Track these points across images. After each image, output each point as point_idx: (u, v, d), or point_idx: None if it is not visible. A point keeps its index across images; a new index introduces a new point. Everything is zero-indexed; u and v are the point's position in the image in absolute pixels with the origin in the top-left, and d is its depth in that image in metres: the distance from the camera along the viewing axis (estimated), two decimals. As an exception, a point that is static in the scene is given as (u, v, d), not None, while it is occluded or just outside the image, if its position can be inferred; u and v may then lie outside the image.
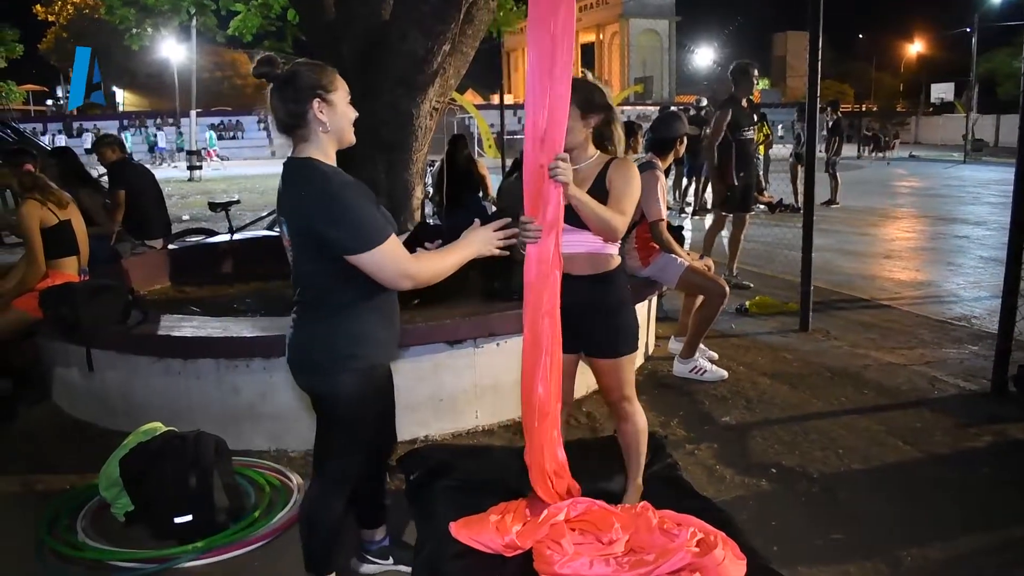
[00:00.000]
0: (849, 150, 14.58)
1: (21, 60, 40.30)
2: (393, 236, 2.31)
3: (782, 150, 15.27)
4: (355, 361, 2.40)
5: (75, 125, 45.56)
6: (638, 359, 5.08)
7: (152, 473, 3.17)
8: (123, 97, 61.27)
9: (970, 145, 30.64)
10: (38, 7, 47.38)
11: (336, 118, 2.35)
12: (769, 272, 8.24)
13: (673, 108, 14.96)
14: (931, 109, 49.58)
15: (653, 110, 39.17)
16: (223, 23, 14.17)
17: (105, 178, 7.02)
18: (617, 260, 2.94)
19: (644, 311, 5.14)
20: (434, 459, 3.56)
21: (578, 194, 2.62)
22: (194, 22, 13.90)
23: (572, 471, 2.95)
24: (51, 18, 49.17)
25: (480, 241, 2.48)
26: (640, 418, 3.12)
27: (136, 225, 6.76)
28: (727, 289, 4.76)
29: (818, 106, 5.84)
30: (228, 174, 29.56)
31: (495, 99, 58.83)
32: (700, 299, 5.03)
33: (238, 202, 9.22)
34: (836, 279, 7.81)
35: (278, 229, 2.43)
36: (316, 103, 2.29)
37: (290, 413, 3.96)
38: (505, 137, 15.31)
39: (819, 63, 5.71)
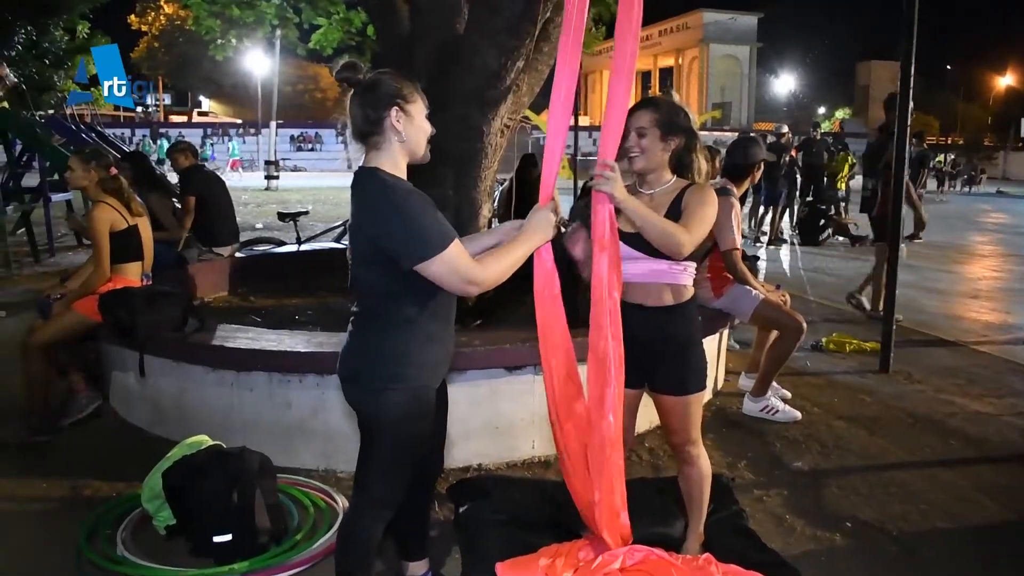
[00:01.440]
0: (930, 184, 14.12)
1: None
2: (457, 241, 2.23)
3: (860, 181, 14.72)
4: (401, 380, 2.30)
5: (161, 131, 47.17)
6: (706, 395, 4.84)
7: (194, 488, 3.08)
8: (208, 106, 63.27)
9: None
10: (132, 17, 49.27)
11: (412, 129, 2.30)
12: (847, 308, 7.86)
13: (752, 134, 14.63)
14: (1021, 144, 47.78)
15: (730, 136, 38.62)
16: (305, 36, 14.42)
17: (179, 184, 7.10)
18: (690, 292, 2.74)
19: (714, 344, 4.90)
20: (485, 490, 3.39)
21: (630, 202, 2.41)
22: (277, 34, 14.21)
23: (630, 513, 2.76)
24: (144, 28, 51.04)
25: (540, 227, 2.40)
26: (705, 463, 2.90)
27: (205, 232, 6.80)
28: (804, 325, 4.49)
29: (908, 136, 5.50)
30: (304, 184, 30.08)
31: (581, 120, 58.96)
32: (774, 334, 4.78)
33: (307, 213, 9.26)
34: (919, 318, 7.40)
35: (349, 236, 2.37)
36: (394, 111, 2.25)
37: (341, 432, 3.85)
38: (579, 158, 15.16)
39: (910, 91, 5.38)
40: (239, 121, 51.51)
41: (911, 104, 5.45)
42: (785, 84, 66.44)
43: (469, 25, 5.08)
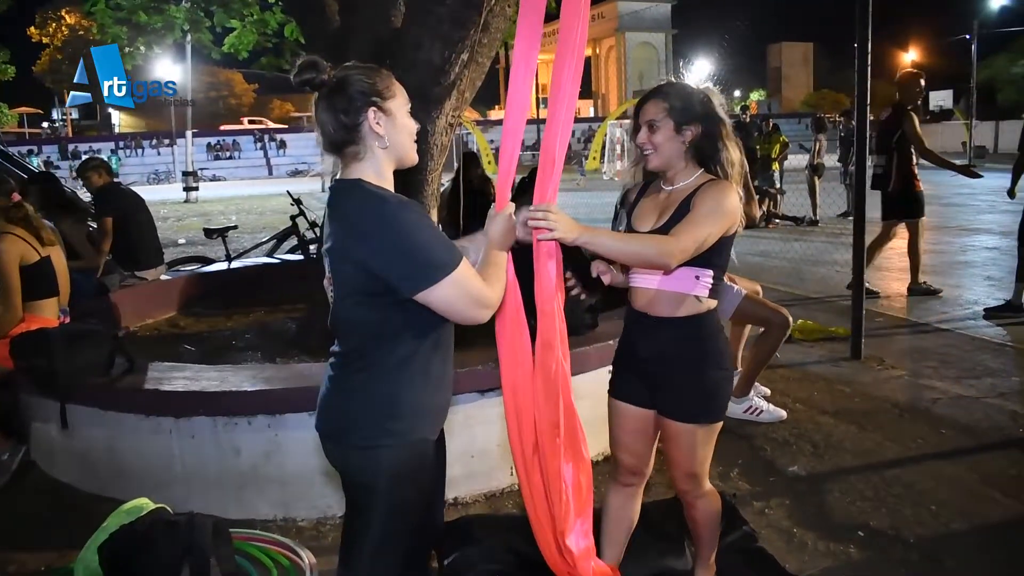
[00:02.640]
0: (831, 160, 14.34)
1: (16, 82, 39.84)
2: (464, 259, 1.89)
3: (796, 161, 14.72)
4: (395, 435, 1.94)
5: (70, 147, 45.21)
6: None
7: (137, 563, 2.65)
8: (119, 119, 60.97)
9: (972, 152, 30.27)
10: (32, 29, 47.04)
11: (395, 131, 1.96)
12: (801, 292, 7.74)
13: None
14: (929, 117, 49.34)
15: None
16: (218, 40, 13.74)
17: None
18: (705, 304, 2.39)
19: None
20: (472, 535, 3.01)
21: (587, 237, 2.09)
22: (188, 40, 13.52)
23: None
24: (45, 40, 48.79)
25: (504, 234, 2.08)
26: (710, 504, 2.57)
27: (126, 255, 6.26)
28: (789, 319, 4.25)
29: (868, 118, 5.33)
30: (225, 194, 29.09)
31: (491, 115, 58.69)
32: (746, 330, 4.54)
33: (235, 227, 8.72)
34: (876, 299, 7.30)
35: (325, 264, 1.97)
36: (372, 113, 1.91)
37: (299, 477, 3.45)
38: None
39: (868, 68, 5.21)
40: (153, 132, 49.68)
41: (868, 86, 5.26)
42: (701, 69, 67.28)
43: (408, 17, 4.69)
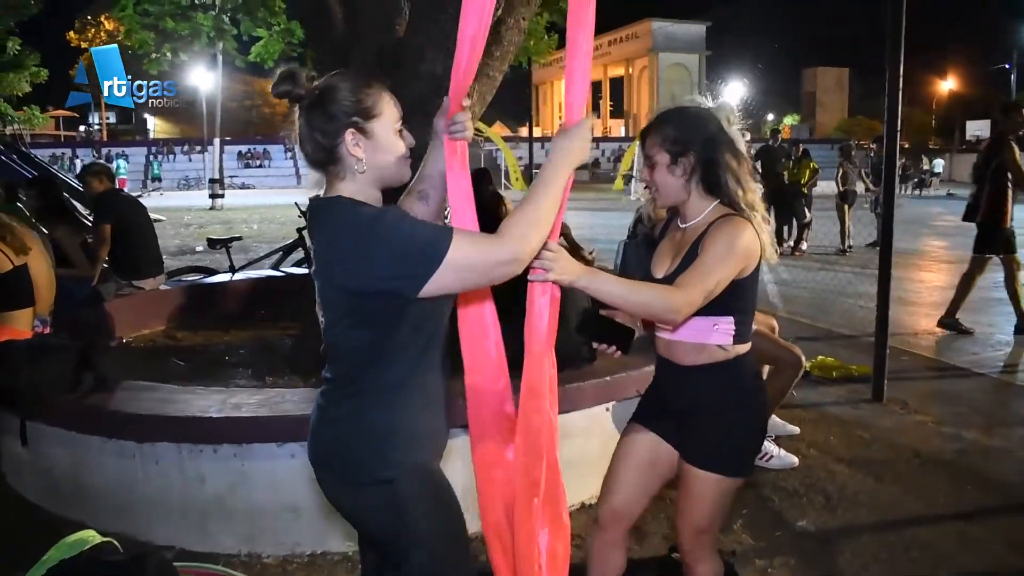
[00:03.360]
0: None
1: (53, 86, 40.40)
2: (456, 229, 1.70)
3: (825, 188, 14.31)
4: (398, 466, 1.79)
5: (104, 151, 45.72)
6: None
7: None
8: (154, 124, 61.74)
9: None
10: (71, 34, 47.74)
11: (377, 155, 1.78)
12: (824, 324, 7.41)
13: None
14: (965, 147, 48.50)
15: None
16: (246, 48, 13.72)
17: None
18: (730, 352, 2.16)
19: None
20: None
21: (585, 281, 1.87)
22: (219, 48, 13.54)
23: None
24: (84, 45, 49.48)
25: (580, 141, 1.82)
26: (711, 573, 2.33)
27: (124, 263, 6.09)
28: (802, 358, 3.97)
29: (898, 144, 5.03)
30: (251, 203, 29.12)
31: (523, 132, 58.55)
32: (764, 369, 4.26)
33: (239, 239, 8.57)
34: (900, 335, 6.94)
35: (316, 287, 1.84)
36: (350, 135, 1.74)
37: (266, 511, 3.22)
38: (534, 171, 14.66)
39: (899, 95, 4.92)
40: (185, 139, 50.19)
41: (899, 111, 4.97)
42: (735, 91, 66.85)
43: (412, 26, 4.49)
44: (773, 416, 4.32)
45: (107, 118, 63.81)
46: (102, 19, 50.27)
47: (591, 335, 2.10)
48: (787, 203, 12.65)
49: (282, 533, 3.23)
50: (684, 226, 2.21)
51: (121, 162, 40.50)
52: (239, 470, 3.22)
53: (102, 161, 15.34)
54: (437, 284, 1.64)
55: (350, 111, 1.73)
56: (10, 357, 3.44)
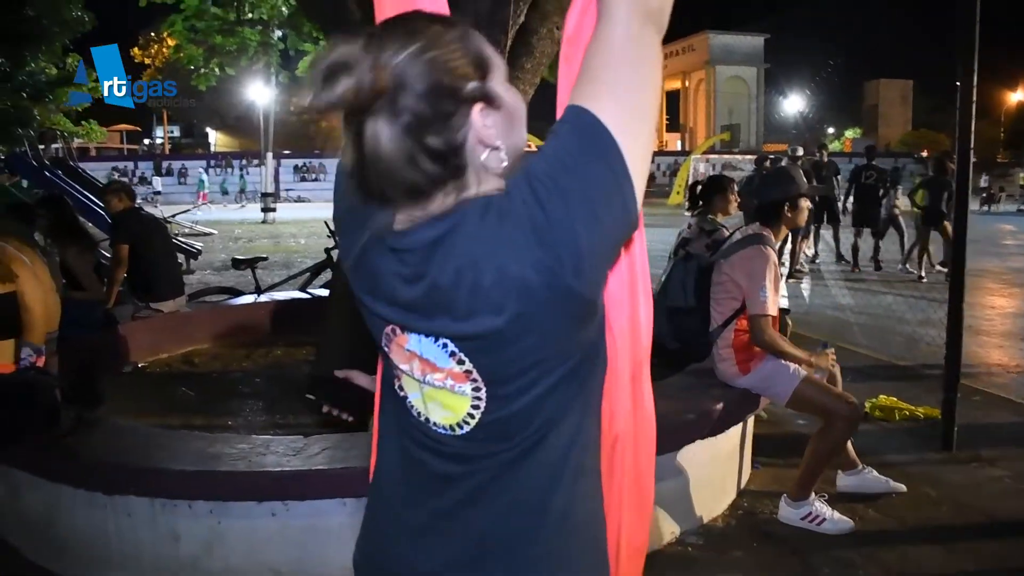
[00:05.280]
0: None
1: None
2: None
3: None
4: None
5: (164, 164, 46.66)
6: (726, 495, 3.85)
7: None
8: (215, 138, 62.98)
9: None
10: (135, 50, 48.91)
11: (512, 127, 1.09)
12: (886, 357, 6.83)
13: (787, 158, 13.55)
14: (1035, 160, 46.73)
15: (741, 159, 37.79)
16: (293, 63, 13.63)
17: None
18: None
19: (738, 432, 3.91)
20: None
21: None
22: (268, 63, 13.53)
23: None
24: (147, 61, 50.64)
25: None
26: None
27: (141, 285, 5.86)
28: (859, 410, 3.50)
29: (971, 160, 4.52)
30: (303, 216, 29.19)
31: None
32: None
33: (265, 259, 8.35)
34: (971, 370, 6.32)
35: (399, 345, 1.15)
36: (478, 112, 1.04)
37: (245, 574, 2.88)
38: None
39: (972, 108, 4.41)
40: (243, 152, 50.97)
41: (971, 124, 4.46)
42: (793, 104, 65.50)
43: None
44: (872, 471, 3.89)
45: (170, 132, 65.45)
46: (164, 35, 51.47)
47: (324, 397, 1.74)
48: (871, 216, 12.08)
49: (262, 601, 2.89)
50: None
51: (203, 176, 40.74)
52: (215, 529, 2.89)
53: (123, 179, 15.56)
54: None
55: (467, 73, 1.03)
56: (-20, 395, 3.17)
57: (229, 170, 48.48)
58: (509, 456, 1.11)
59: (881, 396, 5.32)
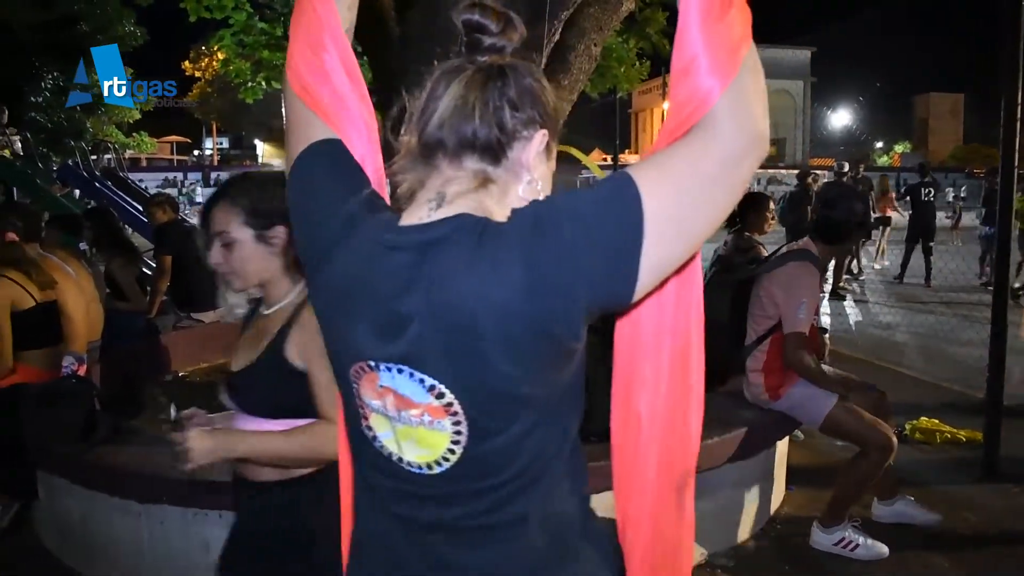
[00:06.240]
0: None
1: (168, 113, 42.23)
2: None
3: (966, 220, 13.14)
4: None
5: (212, 175, 47.57)
6: (758, 518, 3.79)
7: None
8: (263, 149, 64.06)
9: None
10: (186, 63, 50.03)
11: (547, 177, 1.17)
12: (930, 379, 6.67)
13: (827, 175, 13.39)
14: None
15: (787, 173, 37.36)
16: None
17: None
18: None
19: (772, 453, 3.85)
20: None
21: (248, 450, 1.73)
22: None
23: None
24: (197, 74, 51.74)
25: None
26: None
27: (184, 295, 5.98)
28: (894, 441, 3.42)
29: (1015, 174, 4.42)
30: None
31: (631, 159, 57.95)
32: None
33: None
34: (1016, 391, 6.13)
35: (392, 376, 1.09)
36: (540, 137, 1.11)
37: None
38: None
39: (1017, 121, 4.32)
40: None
41: (1015, 137, 4.37)
42: (840, 119, 64.78)
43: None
44: (910, 501, 3.79)
45: (219, 143, 66.76)
46: (214, 48, 52.60)
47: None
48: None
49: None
50: (267, 312, 1.84)
51: None
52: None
53: (168, 191, 16.06)
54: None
55: (545, 103, 1.13)
56: (21, 403, 3.26)
57: (276, 181, 49.29)
58: (495, 496, 1.08)
59: (922, 418, 5.20)
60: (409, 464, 1.09)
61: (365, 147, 1.26)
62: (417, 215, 1.09)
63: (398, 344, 1.04)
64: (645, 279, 1.00)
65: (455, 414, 1.04)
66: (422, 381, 1.04)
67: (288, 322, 1.77)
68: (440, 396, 1.03)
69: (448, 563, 1.11)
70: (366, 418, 1.13)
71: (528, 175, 1.11)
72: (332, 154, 1.22)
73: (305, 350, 1.71)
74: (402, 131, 1.16)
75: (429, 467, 1.08)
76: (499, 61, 1.10)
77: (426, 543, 1.12)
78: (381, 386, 1.08)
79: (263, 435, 1.73)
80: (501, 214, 1.07)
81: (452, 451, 1.06)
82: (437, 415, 1.04)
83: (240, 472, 1.87)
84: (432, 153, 1.10)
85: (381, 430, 1.11)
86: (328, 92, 1.24)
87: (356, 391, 1.12)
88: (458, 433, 1.04)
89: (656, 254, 0.98)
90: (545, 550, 1.11)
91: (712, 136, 1.01)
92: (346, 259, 1.11)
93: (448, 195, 1.09)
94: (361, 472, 1.21)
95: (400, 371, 1.05)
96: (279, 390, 1.76)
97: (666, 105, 1.24)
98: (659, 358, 1.16)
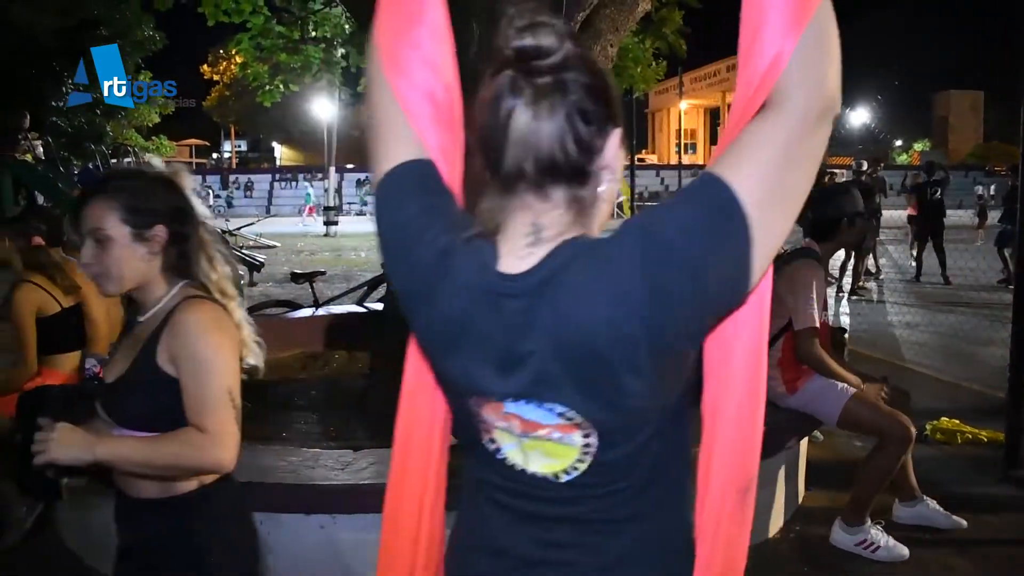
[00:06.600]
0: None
1: (187, 116, 42.55)
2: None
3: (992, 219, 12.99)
4: None
5: (231, 178, 47.88)
6: (778, 517, 3.78)
7: None
8: (281, 152, 64.43)
9: None
10: (204, 67, 50.43)
11: (616, 182, 1.13)
12: (949, 378, 6.63)
13: (841, 179, 13.35)
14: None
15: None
16: (355, 80, 13.88)
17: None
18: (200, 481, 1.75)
19: (791, 454, 3.84)
20: None
21: (109, 452, 1.65)
22: (332, 81, 13.83)
23: None
24: (216, 77, 52.15)
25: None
26: None
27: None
28: (911, 431, 3.42)
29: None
30: (364, 230, 29.72)
31: (648, 159, 57.70)
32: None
33: (323, 273, 8.50)
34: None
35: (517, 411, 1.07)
36: (615, 137, 1.07)
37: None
38: (636, 204, 14.24)
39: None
40: (309, 166, 52.05)
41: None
42: (859, 117, 64.26)
43: (480, 52, 4.21)
44: (932, 502, 3.76)
45: (237, 146, 67.17)
46: (232, 52, 52.96)
47: (18, 477, 1.71)
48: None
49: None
50: (142, 319, 1.79)
51: (310, 189, 39.69)
52: (264, 539, 2.93)
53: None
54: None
55: (613, 95, 1.07)
56: (44, 404, 3.29)
57: (294, 184, 49.57)
58: (622, 496, 1.09)
59: (943, 419, 5.17)
60: (534, 475, 1.09)
61: (446, 140, 1.21)
62: (515, 253, 1.05)
63: (520, 379, 1.03)
64: (756, 273, 1.00)
65: (586, 430, 1.03)
66: (551, 409, 1.03)
67: (160, 327, 1.71)
68: (569, 419, 1.03)
69: (568, 545, 1.11)
70: (488, 432, 1.11)
71: (611, 174, 1.08)
72: (420, 176, 1.16)
73: (175, 356, 1.68)
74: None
75: (556, 476, 1.07)
76: (567, 65, 1.01)
77: (551, 531, 1.11)
78: (506, 412, 1.07)
79: (129, 440, 1.68)
80: (597, 226, 1.09)
81: (581, 461, 1.05)
82: (567, 431, 1.04)
83: (121, 487, 1.83)
84: (513, 185, 1.05)
85: (506, 443, 1.10)
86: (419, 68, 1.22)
87: (477, 414, 1.11)
88: (587, 445, 1.04)
89: (764, 244, 0.99)
90: (671, 540, 1.15)
91: (785, 112, 1.00)
92: (451, 303, 1.06)
93: (544, 227, 1.05)
94: (474, 474, 1.20)
95: (527, 402, 1.04)
96: (153, 400, 1.71)
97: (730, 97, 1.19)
98: (731, 354, 1.13)
